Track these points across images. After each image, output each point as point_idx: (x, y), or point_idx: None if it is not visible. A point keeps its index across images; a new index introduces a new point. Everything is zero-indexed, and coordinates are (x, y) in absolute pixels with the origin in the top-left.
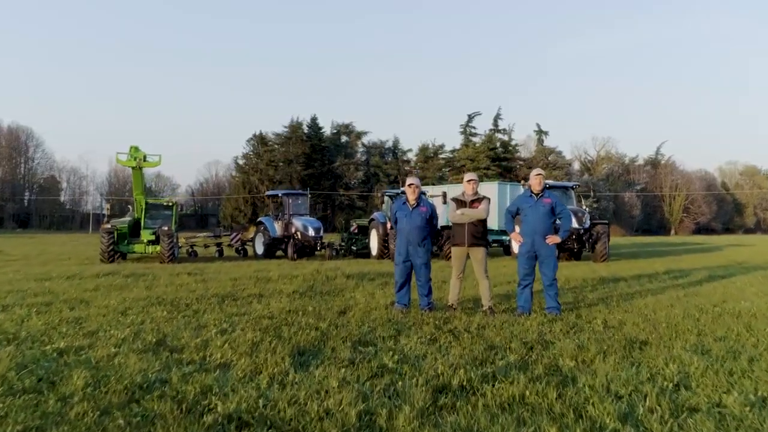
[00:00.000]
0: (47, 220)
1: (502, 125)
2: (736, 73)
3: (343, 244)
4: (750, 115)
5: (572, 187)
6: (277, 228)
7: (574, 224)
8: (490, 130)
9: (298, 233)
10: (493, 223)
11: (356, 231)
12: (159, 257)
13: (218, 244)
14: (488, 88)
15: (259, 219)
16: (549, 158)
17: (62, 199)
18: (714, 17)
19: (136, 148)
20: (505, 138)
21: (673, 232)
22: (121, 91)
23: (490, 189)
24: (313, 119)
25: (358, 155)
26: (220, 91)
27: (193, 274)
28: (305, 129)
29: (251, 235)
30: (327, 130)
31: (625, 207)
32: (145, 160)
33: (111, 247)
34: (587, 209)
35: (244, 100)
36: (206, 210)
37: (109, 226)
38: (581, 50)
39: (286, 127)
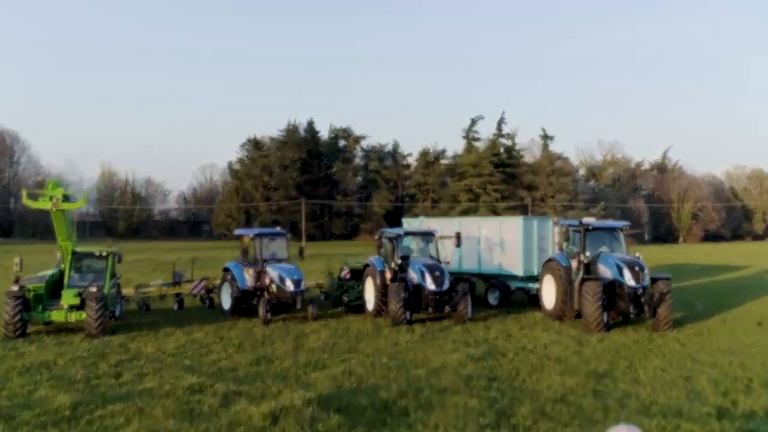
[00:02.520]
0: (30, 229)
1: (505, 129)
2: (741, 74)
3: (332, 290)
4: (756, 117)
5: (621, 228)
6: (247, 278)
7: (630, 282)
8: (494, 134)
9: (273, 286)
10: (515, 267)
11: (348, 276)
12: (86, 328)
13: (177, 294)
14: (489, 89)
15: (225, 265)
16: (555, 164)
17: None
18: (714, 17)
19: (54, 184)
20: (509, 143)
21: (681, 240)
22: (112, 92)
23: (512, 226)
24: (310, 123)
25: (357, 160)
26: (216, 92)
27: (83, 404)
28: (302, 133)
29: (217, 281)
30: (324, 133)
31: (633, 214)
32: (65, 200)
33: (17, 318)
34: (640, 256)
35: (241, 101)
36: (199, 217)
37: (16, 288)
38: (582, 51)
39: (282, 130)
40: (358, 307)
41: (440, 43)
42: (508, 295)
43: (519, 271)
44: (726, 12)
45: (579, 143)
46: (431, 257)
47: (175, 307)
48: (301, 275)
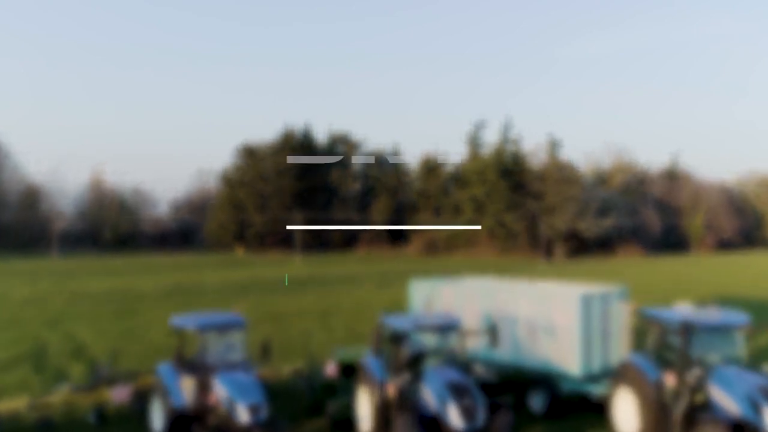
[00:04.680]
0: (13, 240)
1: (510, 134)
2: (747, 78)
3: (314, 378)
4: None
5: (740, 327)
6: (185, 391)
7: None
8: (499, 140)
9: (221, 408)
10: (570, 364)
11: (335, 375)
12: None
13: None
14: (492, 92)
15: (157, 368)
16: (563, 172)
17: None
18: (715, 18)
19: None
20: (514, 149)
21: (693, 249)
22: (106, 94)
23: (566, 304)
24: (307, 128)
25: (356, 164)
26: (213, 94)
27: None
28: (298, 137)
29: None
30: (322, 138)
31: (643, 223)
32: None
33: None
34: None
35: (239, 103)
36: (191, 225)
37: None
38: (585, 54)
39: (278, 135)
40: (345, 424)
41: (441, 45)
42: (559, 401)
43: (575, 370)
44: (728, 13)
45: (586, 147)
46: (453, 355)
47: (92, 419)
48: (261, 396)
